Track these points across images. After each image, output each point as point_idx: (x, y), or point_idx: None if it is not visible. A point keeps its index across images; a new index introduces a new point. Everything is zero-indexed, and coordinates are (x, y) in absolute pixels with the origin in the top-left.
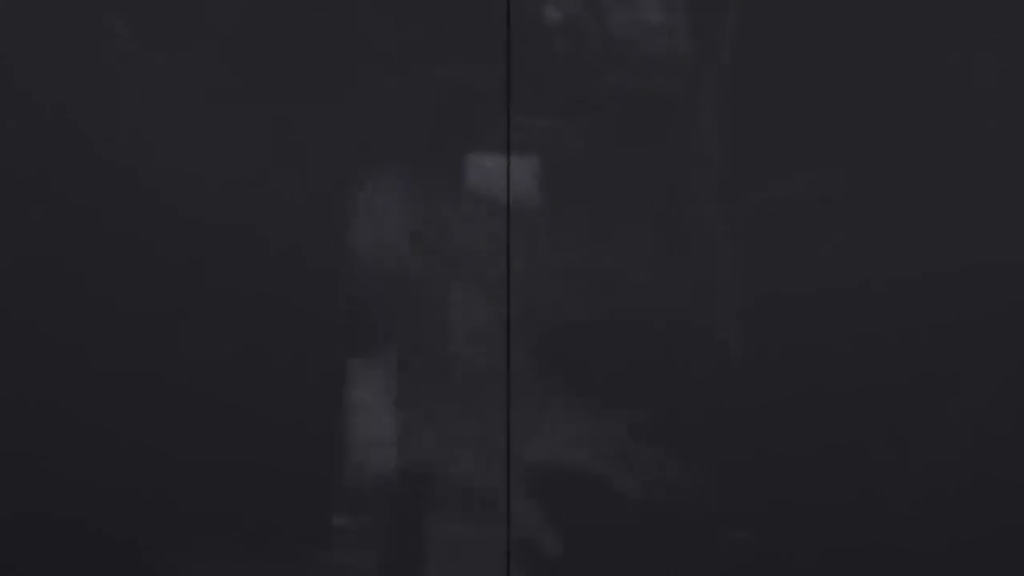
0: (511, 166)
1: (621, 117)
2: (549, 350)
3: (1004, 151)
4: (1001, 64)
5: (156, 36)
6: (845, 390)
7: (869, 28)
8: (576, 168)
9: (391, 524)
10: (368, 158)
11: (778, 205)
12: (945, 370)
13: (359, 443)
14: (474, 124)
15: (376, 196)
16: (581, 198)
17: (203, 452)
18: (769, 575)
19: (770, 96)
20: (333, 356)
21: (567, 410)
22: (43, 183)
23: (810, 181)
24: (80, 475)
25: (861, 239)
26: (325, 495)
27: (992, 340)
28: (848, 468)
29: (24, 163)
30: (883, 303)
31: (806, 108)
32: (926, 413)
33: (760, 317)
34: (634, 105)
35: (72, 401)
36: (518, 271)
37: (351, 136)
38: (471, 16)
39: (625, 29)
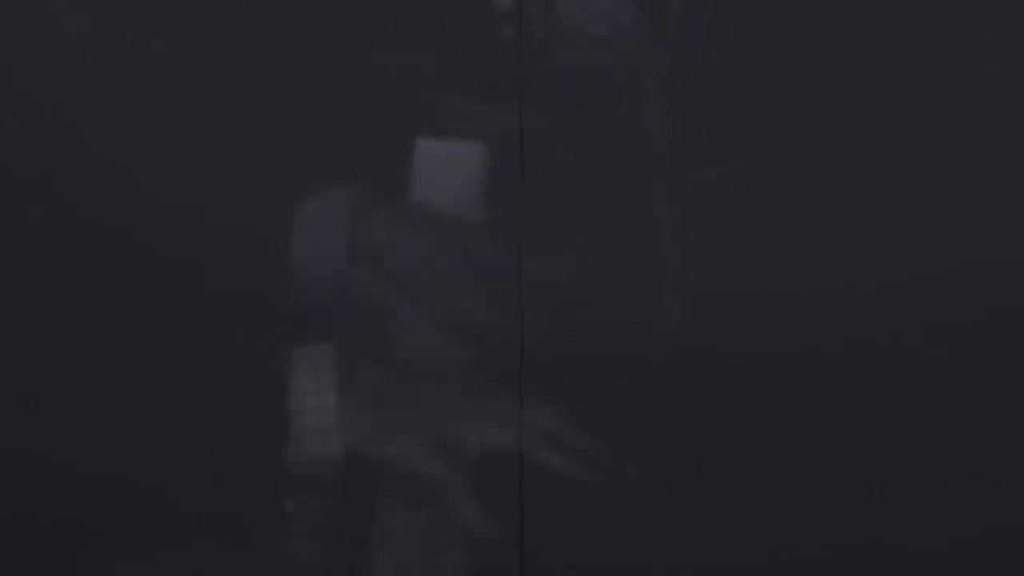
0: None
1: (567, 100)
2: (495, 340)
3: (980, 146)
4: (976, 43)
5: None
6: (804, 387)
7: (821, 7)
8: (522, 151)
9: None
10: (315, 148)
11: (724, 185)
12: (928, 379)
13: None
14: (420, 110)
15: (319, 203)
16: (526, 180)
17: (146, 438)
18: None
19: (717, 76)
20: (278, 348)
21: (509, 401)
22: (40, 183)
23: (756, 162)
24: (80, 474)
25: (811, 221)
26: (272, 482)
27: (970, 339)
28: (832, 470)
29: (23, 163)
30: (834, 290)
31: (754, 88)
32: (903, 406)
33: (706, 299)
34: (580, 88)
35: (71, 401)
36: (467, 251)
37: (302, 125)
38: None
39: (572, 13)
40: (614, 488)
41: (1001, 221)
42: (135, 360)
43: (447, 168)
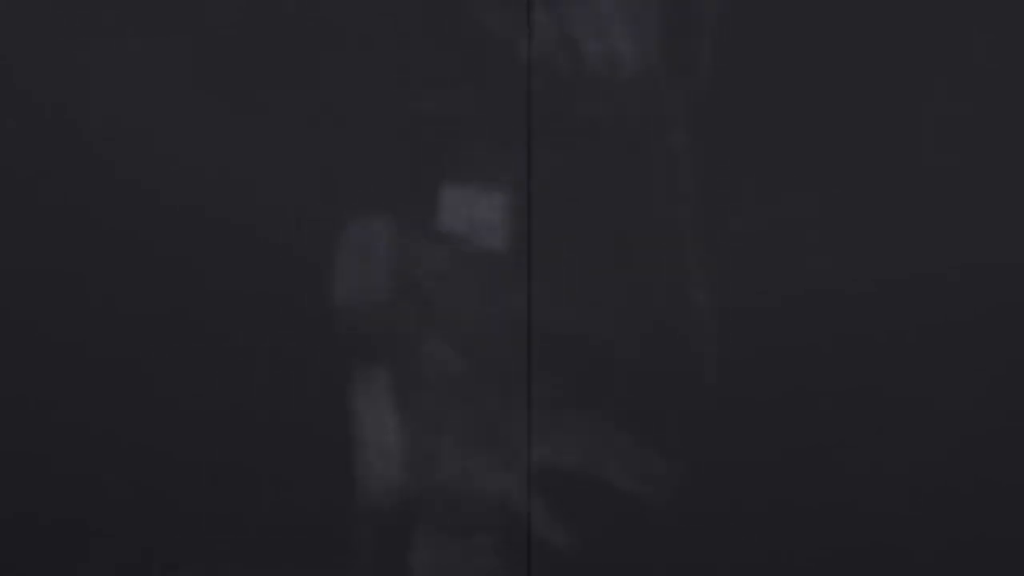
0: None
1: (590, 146)
2: (537, 367)
3: (981, 165)
4: (975, 86)
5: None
6: (825, 394)
7: (840, 52)
8: (551, 197)
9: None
10: (353, 187)
11: (751, 228)
12: (928, 379)
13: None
14: (450, 155)
15: (359, 231)
16: (556, 226)
17: (205, 455)
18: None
19: (743, 120)
20: (332, 368)
21: (561, 419)
22: (40, 183)
23: (783, 205)
24: (81, 474)
25: (833, 257)
26: (335, 506)
27: (975, 343)
28: (834, 470)
29: (24, 163)
30: (858, 325)
31: (780, 133)
32: (912, 416)
33: (734, 334)
34: (602, 133)
35: (71, 401)
36: (497, 294)
37: (336, 164)
38: (451, 52)
39: (597, 59)
40: (636, 515)
41: (998, 224)
42: (194, 390)
43: (472, 212)
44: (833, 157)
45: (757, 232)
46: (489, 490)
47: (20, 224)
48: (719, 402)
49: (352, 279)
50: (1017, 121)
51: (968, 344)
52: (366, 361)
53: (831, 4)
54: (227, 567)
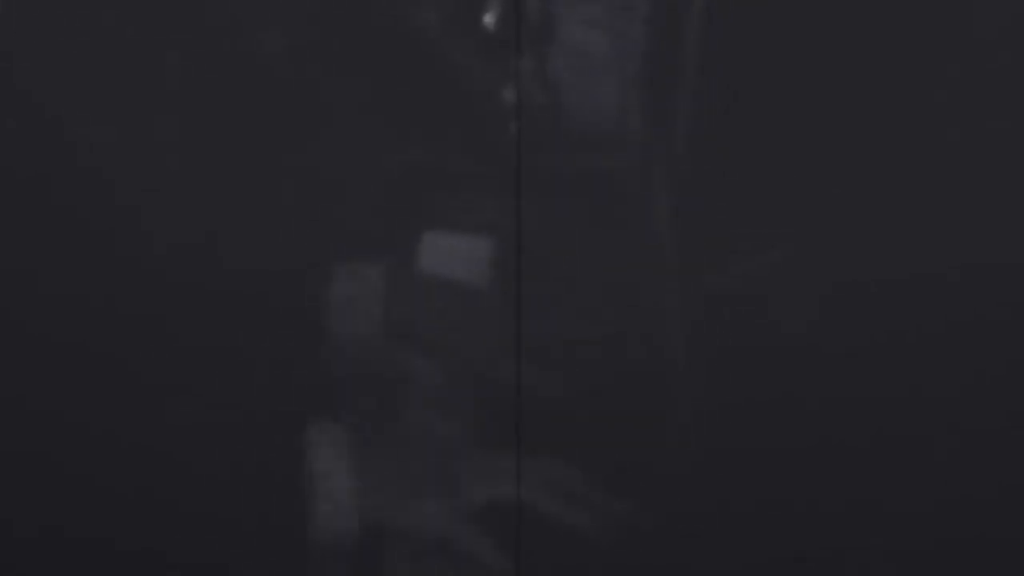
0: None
1: (575, 196)
2: (504, 418)
3: (970, 197)
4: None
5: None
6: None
7: (820, 108)
8: (530, 246)
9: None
10: (335, 230)
11: (732, 283)
12: (920, 369)
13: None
14: (435, 203)
15: (344, 279)
16: (534, 276)
17: (155, 508)
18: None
19: (725, 174)
20: (296, 418)
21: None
22: (41, 185)
23: (765, 261)
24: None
25: (809, 313)
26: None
27: (969, 347)
28: (834, 474)
29: (23, 163)
30: (836, 385)
31: (761, 190)
32: (904, 409)
33: (710, 386)
34: (583, 184)
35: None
36: (476, 346)
37: (319, 211)
38: (432, 97)
39: (579, 109)
40: (616, 537)
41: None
42: (150, 427)
43: (453, 260)
44: (813, 213)
45: (735, 286)
46: (453, 529)
47: (18, 224)
48: (695, 450)
49: (339, 323)
50: (1003, 124)
51: (973, 346)
52: (345, 397)
53: (810, 58)
54: None
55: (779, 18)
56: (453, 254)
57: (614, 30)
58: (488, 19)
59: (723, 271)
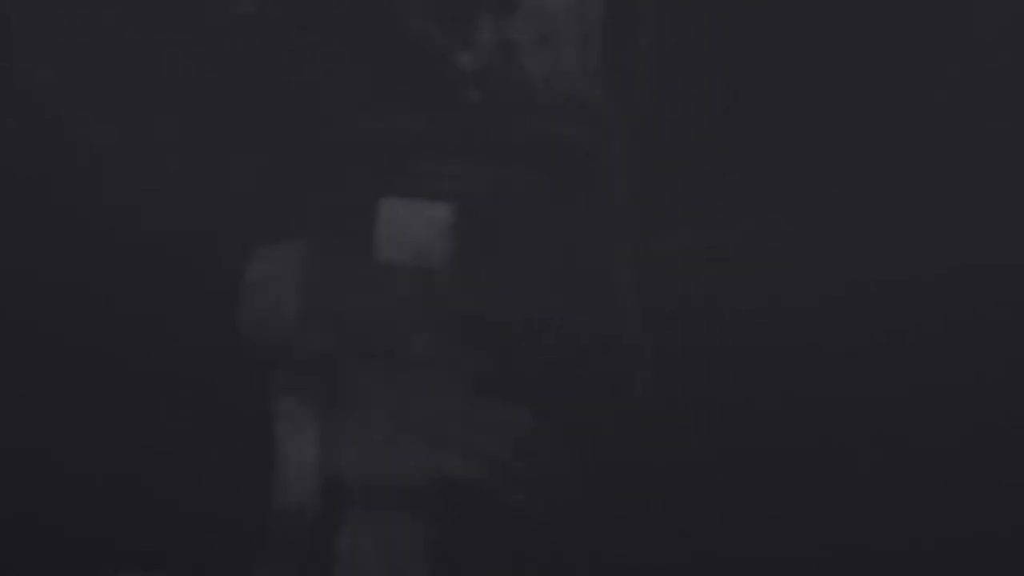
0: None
1: (531, 163)
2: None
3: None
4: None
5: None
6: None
7: (789, 73)
8: (488, 214)
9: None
10: (278, 203)
11: (689, 250)
12: (917, 370)
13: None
14: (384, 170)
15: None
16: (492, 244)
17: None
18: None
19: (682, 140)
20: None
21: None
22: (41, 184)
23: (723, 227)
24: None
25: (772, 283)
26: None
27: (970, 341)
28: (816, 474)
29: (23, 163)
30: (798, 353)
31: (722, 156)
32: (902, 410)
33: (672, 359)
34: (544, 151)
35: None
36: (431, 312)
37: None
38: (388, 64)
39: (538, 74)
40: (574, 516)
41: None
42: (112, 408)
43: (411, 227)
44: (770, 180)
45: (688, 250)
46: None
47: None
48: (648, 414)
49: (271, 299)
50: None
51: (968, 345)
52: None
53: (773, 20)
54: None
55: None
56: (410, 221)
57: None
58: None
59: (683, 240)
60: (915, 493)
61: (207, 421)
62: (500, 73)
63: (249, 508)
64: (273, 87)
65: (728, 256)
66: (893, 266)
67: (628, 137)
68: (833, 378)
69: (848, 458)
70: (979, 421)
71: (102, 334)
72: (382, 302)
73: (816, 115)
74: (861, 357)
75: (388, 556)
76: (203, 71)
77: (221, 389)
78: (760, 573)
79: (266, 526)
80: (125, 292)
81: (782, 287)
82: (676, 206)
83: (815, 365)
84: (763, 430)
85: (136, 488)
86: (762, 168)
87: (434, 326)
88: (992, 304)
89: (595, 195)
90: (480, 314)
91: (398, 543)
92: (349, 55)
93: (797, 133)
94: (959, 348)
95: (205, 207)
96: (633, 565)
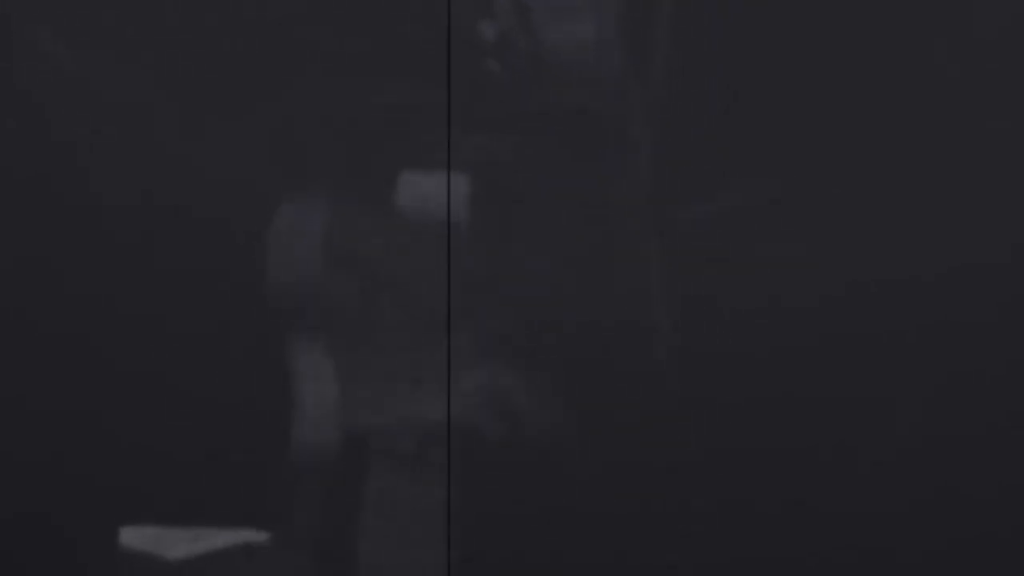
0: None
1: (553, 133)
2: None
3: (969, 157)
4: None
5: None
6: (774, 396)
7: (803, 41)
8: (509, 184)
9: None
10: (300, 171)
11: (709, 219)
12: (903, 377)
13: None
14: (410, 142)
15: (304, 212)
16: (513, 213)
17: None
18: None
19: (704, 109)
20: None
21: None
22: (40, 183)
23: (741, 194)
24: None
25: (794, 250)
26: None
27: (971, 341)
28: (816, 471)
29: (23, 163)
30: (820, 313)
31: (740, 121)
32: (903, 410)
33: (693, 326)
34: (563, 122)
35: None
36: (455, 283)
37: (283, 148)
38: (408, 32)
39: (558, 45)
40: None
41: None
42: (129, 362)
43: (428, 198)
44: (794, 150)
45: (711, 222)
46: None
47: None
48: (673, 394)
49: (294, 250)
50: (1007, 120)
51: (969, 345)
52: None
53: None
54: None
55: None
56: (430, 192)
57: None
58: None
59: (703, 209)
60: (915, 493)
61: (226, 367)
62: (519, 43)
63: (270, 452)
64: (287, 56)
65: (751, 223)
66: (893, 266)
67: (649, 106)
68: (832, 378)
69: (848, 457)
70: (979, 421)
71: (129, 285)
72: (403, 260)
73: (826, 104)
74: (861, 356)
75: (413, 502)
76: (223, 41)
77: (242, 336)
78: (760, 573)
79: (286, 471)
80: (147, 244)
81: (782, 287)
82: (698, 176)
83: (815, 364)
84: (762, 430)
85: (158, 433)
86: (780, 137)
87: (456, 287)
88: (992, 304)
89: (616, 165)
90: (498, 282)
91: (419, 492)
92: (369, 28)
93: (806, 121)
94: (959, 348)
95: (227, 169)
96: (633, 565)
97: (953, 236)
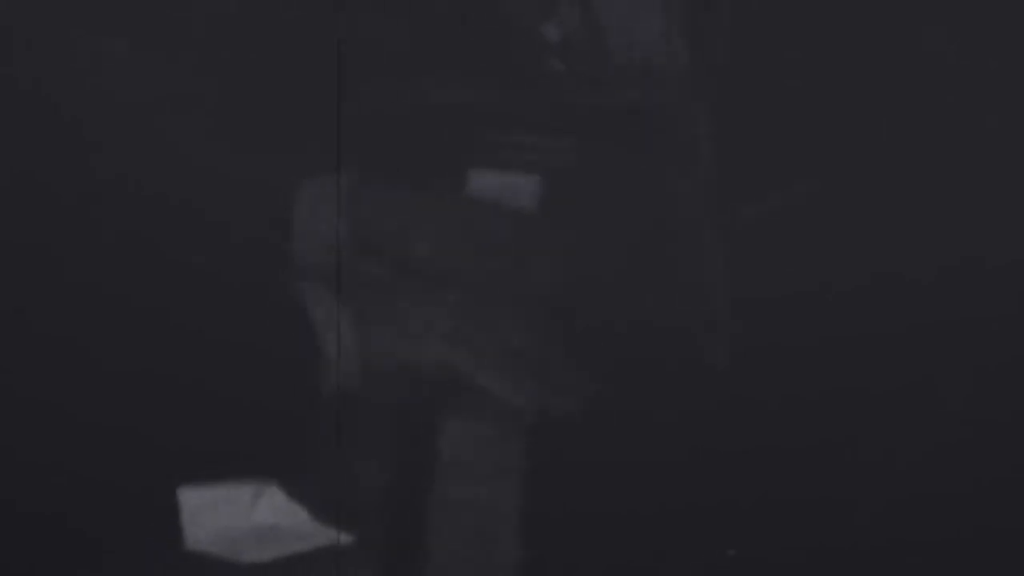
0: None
1: (615, 132)
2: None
3: (992, 156)
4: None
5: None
6: (831, 390)
7: (858, 42)
8: (571, 184)
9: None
10: (364, 169)
11: (771, 215)
12: (933, 371)
13: None
14: (470, 142)
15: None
16: (576, 213)
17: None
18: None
19: (763, 107)
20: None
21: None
22: (39, 182)
23: (803, 191)
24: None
25: (850, 245)
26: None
27: (977, 340)
28: (836, 467)
29: (23, 163)
30: (874, 307)
31: (799, 119)
32: (911, 414)
33: (752, 322)
34: (628, 119)
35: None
36: (516, 280)
37: (344, 146)
38: (468, 32)
39: (620, 44)
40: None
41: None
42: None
43: (498, 198)
44: (856, 148)
45: (772, 220)
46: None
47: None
48: (728, 391)
49: (318, 223)
50: None
51: (967, 343)
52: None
53: None
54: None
55: None
56: (500, 192)
57: None
58: None
59: (762, 203)
60: (916, 491)
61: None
62: (584, 43)
63: (299, 397)
64: (358, 50)
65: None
66: (893, 266)
67: (712, 103)
68: (832, 377)
69: (848, 456)
70: (979, 420)
71: (164, 242)
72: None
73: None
74: (860, 356)
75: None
76: (286, 35)
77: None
78: (760, 573)
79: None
80: (178, 220)
81: (783, 285)
82: (759, 167)
83: (815, 364)
84: (763, 429)
85: (191, 388)
86: (842, 128)
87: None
88: (992, 304)
89: (681, 162)
90: (563, 280)
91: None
92: (436, 29)
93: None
94: (959, 348)
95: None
96: (633, 565)
97: (958, 236)
